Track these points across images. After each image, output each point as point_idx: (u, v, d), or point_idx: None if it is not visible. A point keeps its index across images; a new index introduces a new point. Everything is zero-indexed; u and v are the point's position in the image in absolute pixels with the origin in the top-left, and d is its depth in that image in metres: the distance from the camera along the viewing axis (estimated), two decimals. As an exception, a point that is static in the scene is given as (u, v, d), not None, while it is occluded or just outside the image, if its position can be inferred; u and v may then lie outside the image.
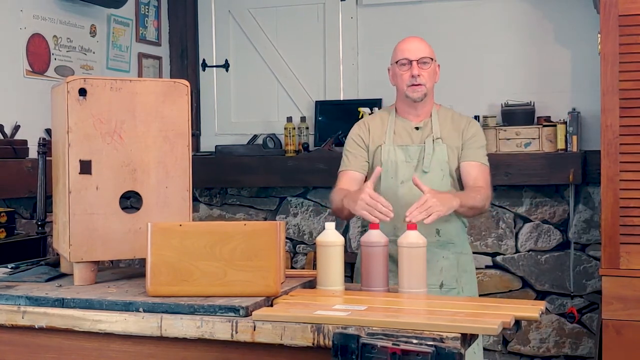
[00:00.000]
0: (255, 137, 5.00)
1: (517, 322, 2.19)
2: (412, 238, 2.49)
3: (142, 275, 2.36)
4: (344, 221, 4.84)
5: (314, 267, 3.61)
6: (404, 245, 2.48)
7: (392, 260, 2.66)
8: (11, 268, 2.70)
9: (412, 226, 2.52)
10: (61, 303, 2.26)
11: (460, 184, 3.06)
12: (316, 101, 4.98)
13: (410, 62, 3.00)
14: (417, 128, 3.07)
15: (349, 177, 3.07)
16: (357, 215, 2.80)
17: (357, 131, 3.14)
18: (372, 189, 2.71)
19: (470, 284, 3.10)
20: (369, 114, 4.55)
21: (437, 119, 3.08)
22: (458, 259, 3.06)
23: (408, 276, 2.46)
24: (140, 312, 2.19)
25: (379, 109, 4.70)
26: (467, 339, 2.00)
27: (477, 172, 3.03)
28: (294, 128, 4.85)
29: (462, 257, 3.08)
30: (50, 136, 3.44)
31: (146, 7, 5.02)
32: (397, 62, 3.04)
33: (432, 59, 3.03)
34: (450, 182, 3.03)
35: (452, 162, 3.04)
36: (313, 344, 2.02)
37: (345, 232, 4.84)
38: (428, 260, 2.80)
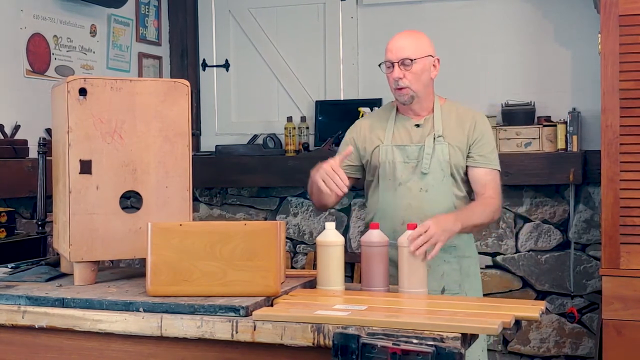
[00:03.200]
0: (255, 137, 4.99)
1: (517, 322, 2.19)
2: (412, 238, 2.49)
3: (142, 275, 2.36)
4: (344, 221, 4.84)
5: (314, 267, 3.61)
6: (404, 245, 2.48)
7: (392, 264, 2.60)
8: (11, 268, 2.70)
9: (411, 225, 2.52)
10: (61, 303, 2.26)
11: (465, 184, 2.93)
12: (316, 101, 4.98)
13: (393, 64, 2.85)
14: (417, 126, 2.93)
15: None
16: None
17: (350, 135, 3.05)
18: (337, 163, 2.66)
19: (474, 288, 2.98)
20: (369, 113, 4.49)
21: (440, 116, 2.93)
22: (460, 263, 2.93)
23: (408, 276, 2.46)
24: (140, 312, 2.19)
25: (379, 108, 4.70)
26: (467, 339, 2.00)
27: (486, 180, 2.89)
28: (294, 128, 4.85)
29: (465, 261, 2.95)
30: (50, 136, 3.44)
31: (146, 7, 5.01)
32: (385, 63, 2.89)
33: (412, 60, 2.82)
34: (451, 183, 2.90)
35: (454, 161, 2.89)
36: (313, 343, 2.02)
37: (345, 232, 4.84)
38: (429, 264, 2.77)
